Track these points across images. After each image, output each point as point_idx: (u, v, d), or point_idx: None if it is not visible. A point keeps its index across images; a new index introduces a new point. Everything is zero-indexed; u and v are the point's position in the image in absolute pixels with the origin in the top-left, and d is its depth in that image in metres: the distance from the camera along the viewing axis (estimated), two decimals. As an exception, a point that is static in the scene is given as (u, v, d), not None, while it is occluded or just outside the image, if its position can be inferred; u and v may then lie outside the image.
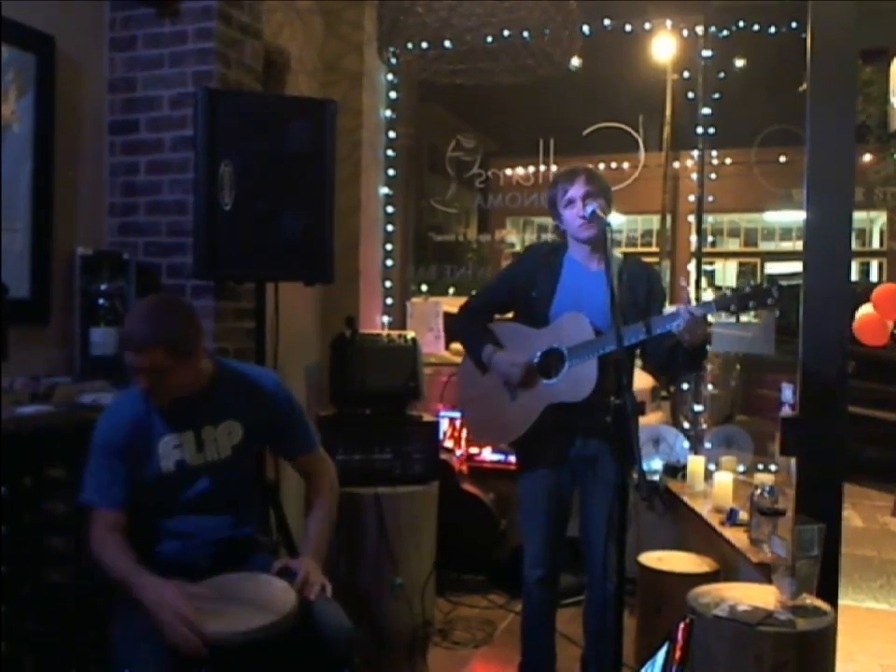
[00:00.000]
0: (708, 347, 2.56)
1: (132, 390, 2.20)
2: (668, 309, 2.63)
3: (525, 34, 3.95)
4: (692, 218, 4.17)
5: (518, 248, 9.81)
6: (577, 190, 2.57)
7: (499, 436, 2.87)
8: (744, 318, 3.87)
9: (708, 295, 4.71)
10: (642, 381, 4.94)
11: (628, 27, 4.02)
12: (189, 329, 2.05)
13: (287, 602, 1.94)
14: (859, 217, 17.47)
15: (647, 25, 4.02)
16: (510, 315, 2.82)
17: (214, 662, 1.83)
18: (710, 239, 5.64)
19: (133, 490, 2.10)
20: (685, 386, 4.06)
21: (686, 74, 4.15)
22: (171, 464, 2.11)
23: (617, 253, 2.69)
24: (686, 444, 3.97)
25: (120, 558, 1.99)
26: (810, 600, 2.30)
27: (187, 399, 2.13)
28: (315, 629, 2.00)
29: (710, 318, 2.49)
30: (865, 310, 5.08)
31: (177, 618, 1.81)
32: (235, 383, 2.23)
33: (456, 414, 4.13)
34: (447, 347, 4.26)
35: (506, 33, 3.95)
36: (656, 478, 3.84)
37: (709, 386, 4.08)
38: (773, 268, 20.42)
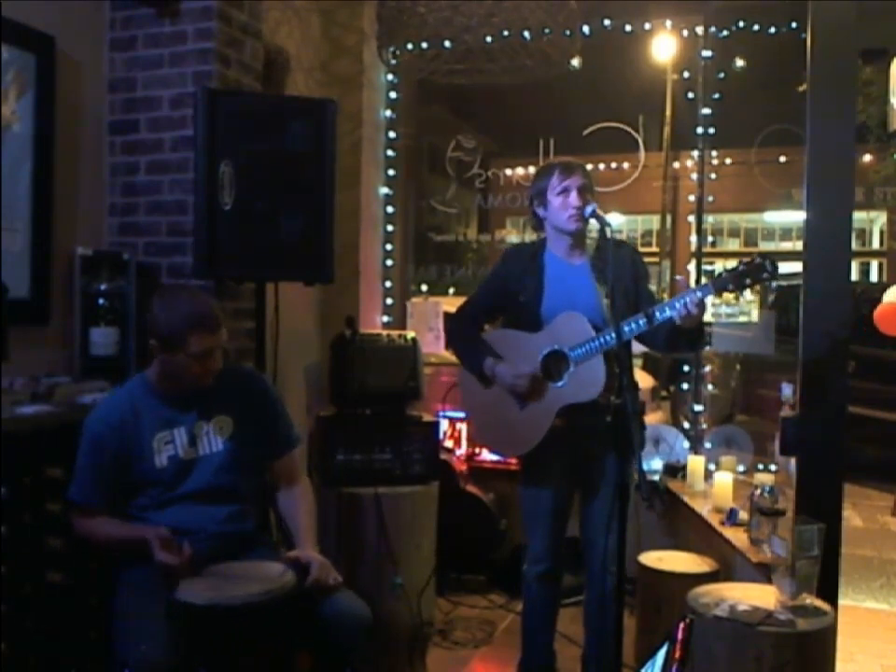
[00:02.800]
0: (707, 336, 2.53)
1: (120, 390, 2.28)
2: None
3: (526, 34, 3.95)
4: (692, 218, 4.16)
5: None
6: (574, 181, 2.55)
7: (514, 448, 2.73)
8: (743, 318, 3.87)
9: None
10: (642, 381, 4.95)
11: (628, 27, 4.02)
12: None
13: (285, 576, 2.01)
14: (859, 217, 17.45)
15: (647, 25, 4.02)
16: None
17: (214, 632, 1.90)
18: (710, 239, 5.62)
19: (128, 489, 2.17)
20: (685, 386, 4.06)
21: (686, 74, 4.15)
22: (164, 459, 2.17)
23: (591, 241, 2.68)
24: (686, 444, 3.96)
25: (110, 524, 2.12)
26: (810, 600, 2.30)
27: (181, 396, 2.20)
28: (331, 615, 2.06)
29: (712, 318, 2.49)
30: (889, 298, 4.84)
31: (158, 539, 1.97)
32: (225, 379, 2.28)
33: (457, 415, 4.13)
34: (447, 348, 4.26)
35: (505, 33, 3.95)
36: (656, 478, 3.83)
37: (709, 386, 4.08)
38: (773, 268, 20.38)
